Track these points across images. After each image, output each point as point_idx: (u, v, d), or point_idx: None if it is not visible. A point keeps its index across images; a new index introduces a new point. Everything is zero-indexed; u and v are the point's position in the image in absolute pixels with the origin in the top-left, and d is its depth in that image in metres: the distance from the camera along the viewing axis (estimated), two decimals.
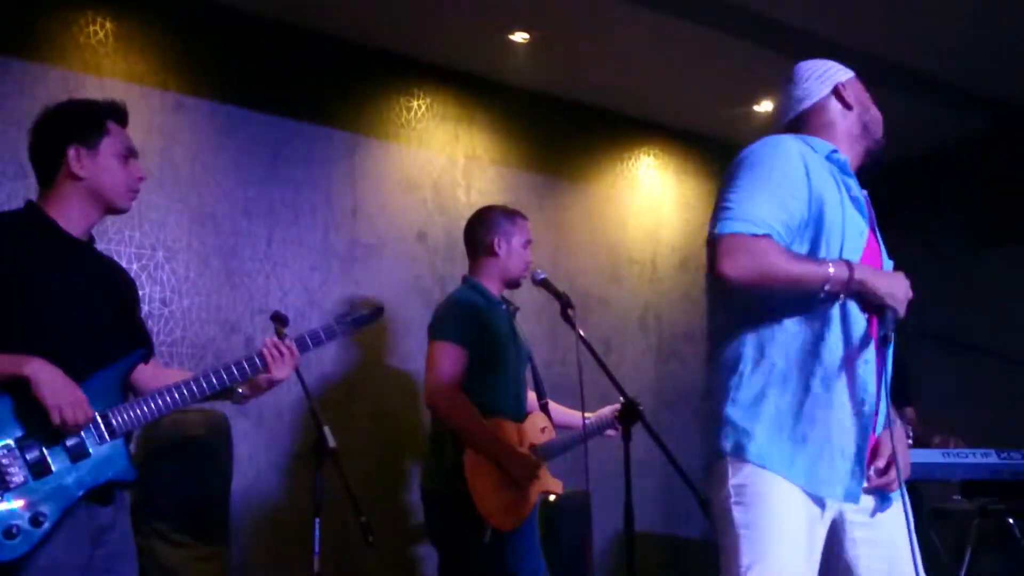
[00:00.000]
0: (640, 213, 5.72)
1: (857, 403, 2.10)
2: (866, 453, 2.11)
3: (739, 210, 2.06)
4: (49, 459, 2.26)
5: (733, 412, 2.12)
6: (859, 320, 2.11)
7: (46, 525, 2.22)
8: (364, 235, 4.67)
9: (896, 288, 2.11)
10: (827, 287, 2.05)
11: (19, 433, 2.25)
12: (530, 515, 3.44)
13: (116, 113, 2.54)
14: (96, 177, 2.44)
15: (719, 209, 2.10)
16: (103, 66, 4.05)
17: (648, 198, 5.76)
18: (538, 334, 4.83)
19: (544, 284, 3.62)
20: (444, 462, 3.39)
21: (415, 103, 4.93)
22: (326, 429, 2.99)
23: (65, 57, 3.96)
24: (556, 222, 5.32)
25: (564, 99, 5.41)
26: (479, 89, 5.13)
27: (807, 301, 2.09)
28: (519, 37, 4.75)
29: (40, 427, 2.25)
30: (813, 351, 2.09)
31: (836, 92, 2.35)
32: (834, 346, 2.09)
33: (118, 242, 3.95)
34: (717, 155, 5.51)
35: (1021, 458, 3.86)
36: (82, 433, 2.29)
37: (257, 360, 2.56)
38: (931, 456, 3.88)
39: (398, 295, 4.64)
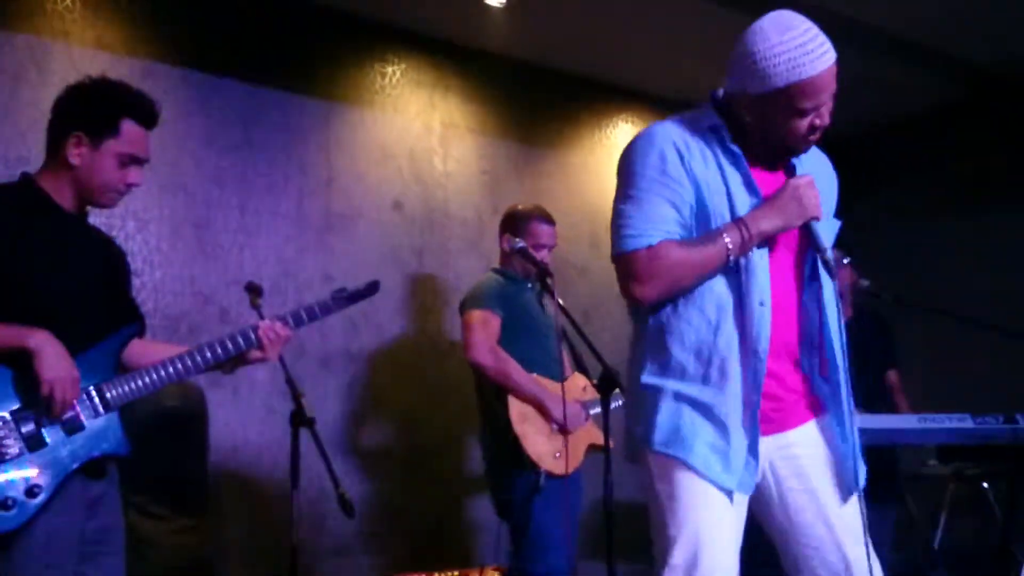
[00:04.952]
0: None
1: (749, 394, 2.10)
2: (758, 444, 2.10)
3: (632, 223, 2.10)
4: (44, 432, 2.29)
5: (640, 400, 2.17)
6: (757, 310, 2.10)
7: (41, 497, 2.25)
8: (339, 204, 4.62)
9: (796, 202, 2.09)
10: (732, 257, 2.07)
11: (15, 405, 2.28)
12: (578, 468, 3.62)
13: (140, 113, 2.46)
14: (87, 171, 2.42)
15: (615, 224, 2.13)
16: (71, 33, 3.97)
17: None
18: None
19: (522, 253, 3.65)
20: (497, 421, 3.59)
21: (390, 69, 4.87)
22: (304, 399, 2.98)
23: (33, 24, 3.88)
24: (534, 190, 5.28)
25: (542, 65, 5.36)
26: (455, 55, 5.07)
27: (704, 291, 2.11)
28: (495, 2, 4.68)
29: (36, 400, 2.27)
30: (709, 341, 2.10)
31: (757, 97, 2.06)
32: (729, 336, 2.10)
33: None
34: None
35: (996, 423, 3.89)
36: (77, 406, 2.32)
37: (252, 335, 2.58)
38: (907, 421, 3.91)
39: (374, 265, 4.59)
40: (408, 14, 4.79)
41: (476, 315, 3.67)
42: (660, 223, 2.09)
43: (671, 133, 2.15)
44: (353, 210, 4.66)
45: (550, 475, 3.51)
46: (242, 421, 4.18)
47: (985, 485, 4.58)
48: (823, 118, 2.10)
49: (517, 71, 5.29)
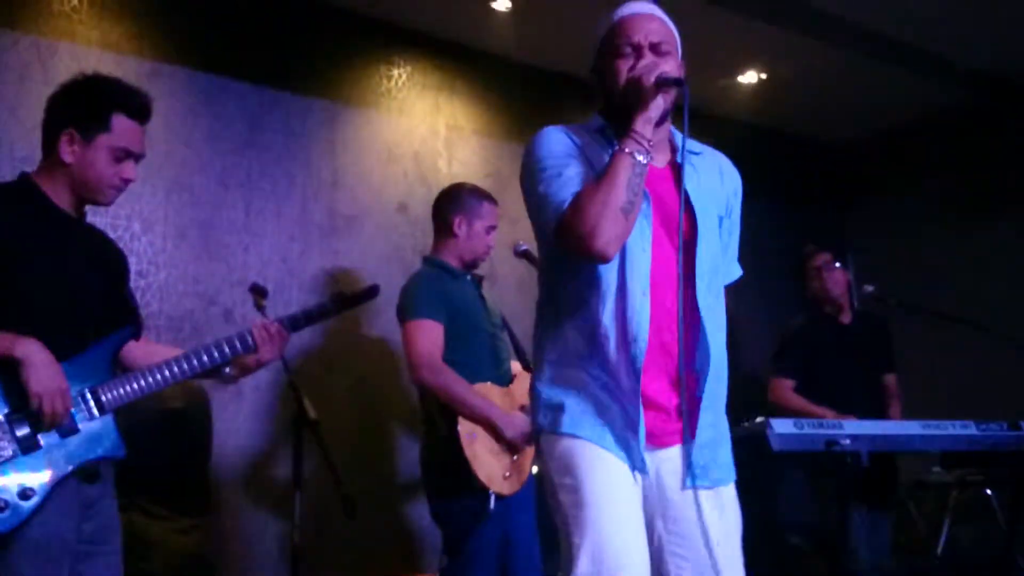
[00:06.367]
0: None
1: (631, 382, 2.09)
2: (640, 424, 2.09)
3: (552, 196, 2.08)
4: (38, 434, 2.27)
5: (543, 386, 2.18)
6: (639, 299, 2.10)
7: (35, 499, 2.23)
8: (344, 206, 4.62)
9: (632, 87, 2.12)
10: (639, 157, 2.03)
11: (8, 408, 2.26)
12: (527, 483, 3.44)
13: (132, 107, 2.46)
14: (81, 168, 2.42)
15: (541, 210, 2.12)
16: (77, 33, 3.97)
17: None
18: (519, 306, 4.79)
19: (525, 256, 3.65)
20: (438, 435, 3.39)
21: (396, 71, 4.87)
22: (306, 401, 2.98)
23: (38, 24, 3.88)
24: None
25: (547, 69, 5.36)
26: (461, 58, 5.07)
27: (590, 276, 2.11)
28: (501, 5, 4.70)
29: (29, 404, 2.25)
30: (592, 325, 2.12)
31: (596, 52, 2.28)
32: (607, 323, 2.10)
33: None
34: (700, 126, 5.46)
35: (1000, 429, 3.88)
36: (72, 409, 2.30)
37: (249, 338, 2.57)
38: (910, 428, 3.90)
39: (378, 266, 4.60)
40: (415, 16, 4.80)
41: (418, 326, 3.38)
42: (574, 185, 2.08)
43: (560, 129, 2.23)
44: (358, 211, 4.66)
45: (499, 497, 3.30)
46: (246, 422, 4.18)
47: (989, 492, 4.57)
48: (644, 65, 2.14)
49: (522, 74, 5.29)
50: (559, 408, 2.12)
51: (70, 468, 2.29)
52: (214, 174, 4.25)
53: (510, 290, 4.88)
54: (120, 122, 2.44)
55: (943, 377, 5.34)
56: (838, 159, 6.51)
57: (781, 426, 3.56)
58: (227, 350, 2.54)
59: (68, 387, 2.28)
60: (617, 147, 2.05)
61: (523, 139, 5.29)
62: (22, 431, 2.26)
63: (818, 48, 5.08)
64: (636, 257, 2.11)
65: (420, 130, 4.93)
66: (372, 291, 2.94)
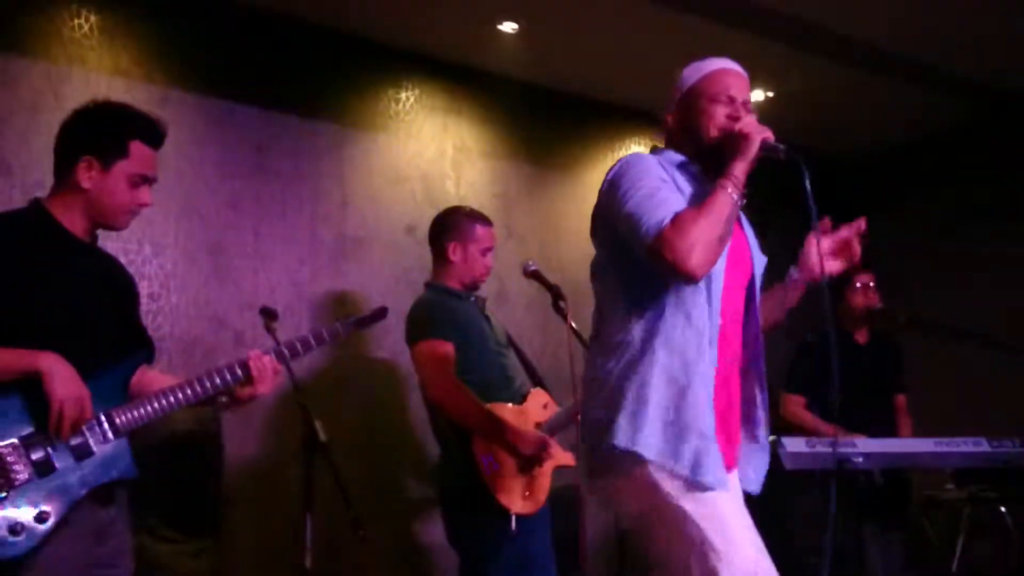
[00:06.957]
0: None
1: (713, 403, 2.21)
2: (713, 437, 2.21)
3: (649, 212, 2.15)
4: (53, 458, 2.28)
5: (625, 411, 2.19)
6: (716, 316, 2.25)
7: (50, 522, 2.24)
8: (353, 228, 4.64)
9: (743, 139, 2.24)
10: (736, 197, 2.18)
11: (25, 431, 2.27)
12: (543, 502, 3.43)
13: (148, 133, 2.49)
14: (100, 194, 2.44)
15: (633, 223, 2.17)
16: (88, 59, 4.01)
17: None
18: (529, 326, 4.82)
19: (535, 276, 3.65)
20: (454, 459, 3.38)
21: (403, 94, 4.90)
22: (317, 422, 2.98)
23: (49, 51, 3.92)
24: (546, 212, 5.30)
25: (553, 89, 5.39)
26: (468, 80, 5.10)
27: (684, 300, 2.21)
28: (508, 27, 4.73)
29: (46, 426, 2.26)
30: (683, 346, 2.20)
31: (681, 100, 2.41)
32: (696, 346, 2.20)
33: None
34: None
35: (1013, 446, 3.86)
36: (86, 432, 2.31)
37: (244, 370, 2.54)
38: (923, 445, 3.88)
39: (387, 288, 4.61)
40: (422, 40, 4.83)
41: (430, 347, 3.38)
42: (673, 205, 2.17)
43: (650, 156, 2.34)
44: (367, 234, 4.67)
45: (520, 517, 3.27)
46: (256, 444, 4.18)
47: (1002, 509, 4.54)
48: (738, 115, 2.31)
49: (529, 95, 5.31)
50: (661, 436, 2.17)
51: (84, 491, 2.30)
52: (224, 198, 4.28)
53: (520, 309, 4.89)
54: (137, 148, 2.46)
55: (955, 393, 5.32)
56: (845, 175, 6.51)
57: (793, 444, 3.55)
58: (228, 377, 2.52)
59: (89, 395, 2.29)
60: (718, 185, 2.18)
61: (530, 159, 5.37)
62: (37, 454, 2.26)
63: (825, 65, 5.10)
64: (715, 286, 2.25)
65: (428, 152, 4.95)
66: (380, 313, 2.93)
